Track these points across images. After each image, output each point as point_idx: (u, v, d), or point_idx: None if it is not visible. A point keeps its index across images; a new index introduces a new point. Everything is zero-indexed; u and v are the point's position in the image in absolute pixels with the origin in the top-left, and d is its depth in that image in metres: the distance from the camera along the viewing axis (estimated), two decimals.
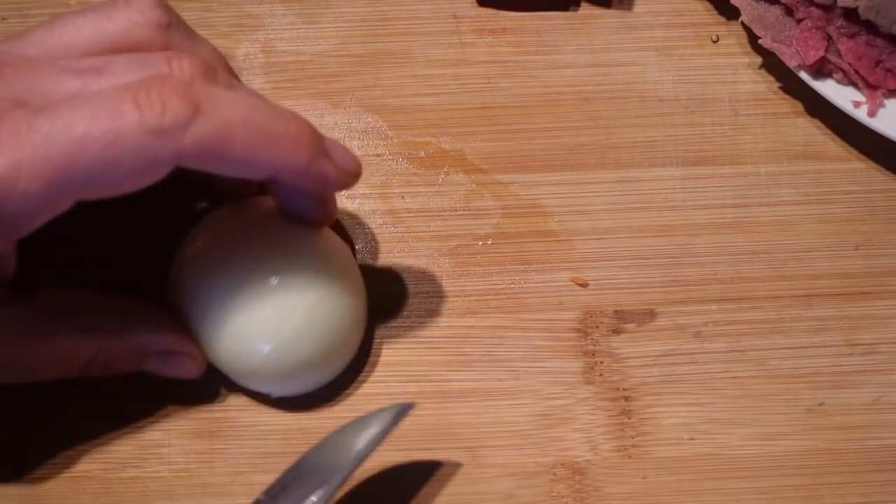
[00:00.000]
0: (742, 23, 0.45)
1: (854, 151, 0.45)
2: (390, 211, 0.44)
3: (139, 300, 0.39)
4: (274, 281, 0.37)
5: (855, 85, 0.44)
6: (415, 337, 0.42)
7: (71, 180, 0.30)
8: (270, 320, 0.37)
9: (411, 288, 0.43)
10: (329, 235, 0.40)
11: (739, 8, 0.44)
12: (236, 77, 0.37)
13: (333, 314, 0.38)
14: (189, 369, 0.39)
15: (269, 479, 0.40)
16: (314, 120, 0.44)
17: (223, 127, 0.31)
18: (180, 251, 0.39)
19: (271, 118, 0.32)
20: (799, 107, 0.46)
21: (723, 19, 0.47)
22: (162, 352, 0.38)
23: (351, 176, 0.35)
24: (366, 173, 0.44)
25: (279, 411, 0.41)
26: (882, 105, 0.43)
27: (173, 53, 0.33)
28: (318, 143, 0.34)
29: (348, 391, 0.41)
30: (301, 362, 0.38)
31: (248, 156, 0.32)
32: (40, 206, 0.30)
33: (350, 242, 0.43)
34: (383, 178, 0.44)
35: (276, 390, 0.40)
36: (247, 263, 0.37)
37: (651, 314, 0.42)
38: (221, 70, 0.34)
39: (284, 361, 0.38)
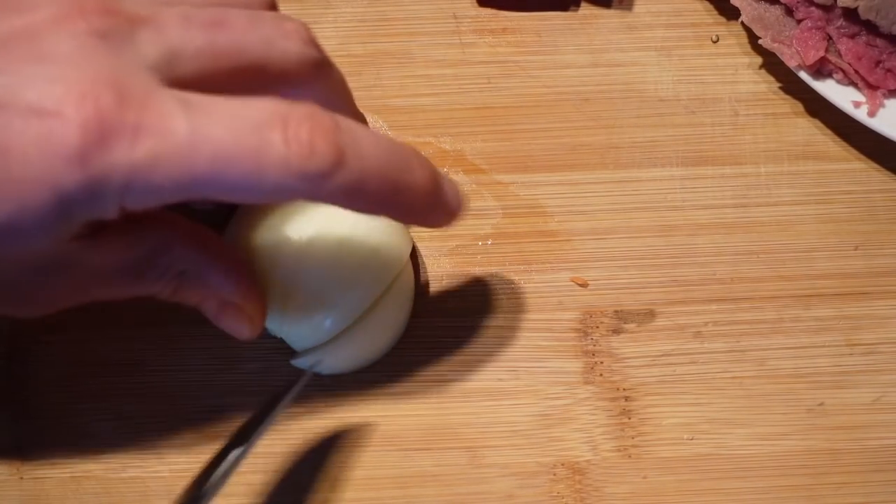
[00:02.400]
0: (742, 23, 0.45)
1: (854, 151, 0.45)
2: None
3: (223, 240, 0.38)
4: (343, 258, 0.38)
5: (855, 85, 0.44)
6: (415, 337, 0.42)
7: (202, 188, 0.30)
8: (335, 295, 0.38)
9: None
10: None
11: (739, 8, 0.44)
12: None
13: (397, 297, 0.40)
14: (242, 329, 0.38)
15: (270, 478, 0.40)
16: None
17: (361, 178, 0.31)
18: (242, 216, 0.40)
19: (404, 170, 0.33)
20: (799, 107, 0.46)
21: (723, 19, 0.47)
22: (224, 299, 0.37)
23: (455, 219, 0.36)
24: None
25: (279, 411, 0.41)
26: (882, 105, 0.43)
27: (282, 15, 0.34)
28: (438, 192, 0.34)
29: (350, 390, 0.41)
30: (358, 338, 0.39)
31: (374, 204, 0.32)
32: (164, 196, 0.30)
33: None
34: None
35: (328, 366, 0.40)
36: (320, 237, 0.38)
37: (651, 314, 0.42)
38: (319, 43, 0.35)
39: (342, 335, 0.39)
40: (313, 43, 0.34)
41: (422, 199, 0.33)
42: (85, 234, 0.32)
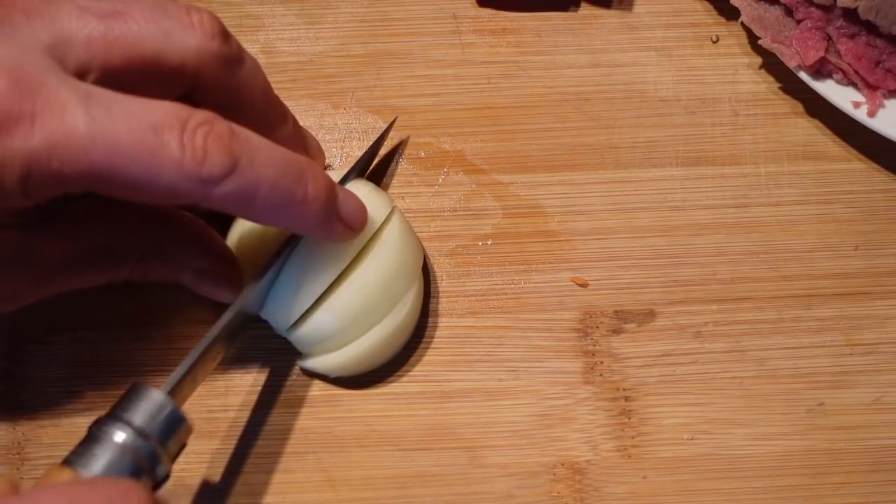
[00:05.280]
0: (742, 23, 0.45)
1: (854, 152, 0.45)
2: None
3: (182, 213, 0.39)
4: (353, 263, 0.38)
5: (855, 85, 0.44)
6: (415, 337, 0.42)
7: (99, 180, 0.30)
8: (341, 298, 0.38)
9: None
10: (401, 220, 0.41)
11: (739, 8, 0.44)
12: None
13: (408, 307, 0.40)
14: (223, 293, 0.39)
15: (269, 478, 0.40)
16: (314, 120, 0.45)
17: (252, 186, 0.32)
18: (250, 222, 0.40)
19: (297, 181, 0.34)
20: (799, 107, 0.46)
21: (723, 19, 0.47)
22: (198, 269, 0.38)
23: (354, 233, 0.37)
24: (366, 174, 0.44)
25: (279, 411, 0.41)
26: (882, 105, 0.43)
27: (192, 7, 0.34)
28: (332, 205, 0.35)
29: (350, 390, 0.41)
30: (368, 345, 0.39)
31: (265, 213, 0.33)
32: (64, 185, 0.30)
33: None
34: (383, 178, 0.44)
35: (336, 369, 0.40)
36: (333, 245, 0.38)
37: (651, 314, 0.42)
38: (230, 35, 0.35)
39: (352, 342, 0.39)
40: (220, 36, 0.34)
41: (314, 212, 0.34)
42: (15, 224, 0.34)
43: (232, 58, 0.34)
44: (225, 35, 0.34)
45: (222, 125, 0.31)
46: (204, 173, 0.31)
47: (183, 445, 0.34)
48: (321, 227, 0.36)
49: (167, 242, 0.38)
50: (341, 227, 0.36)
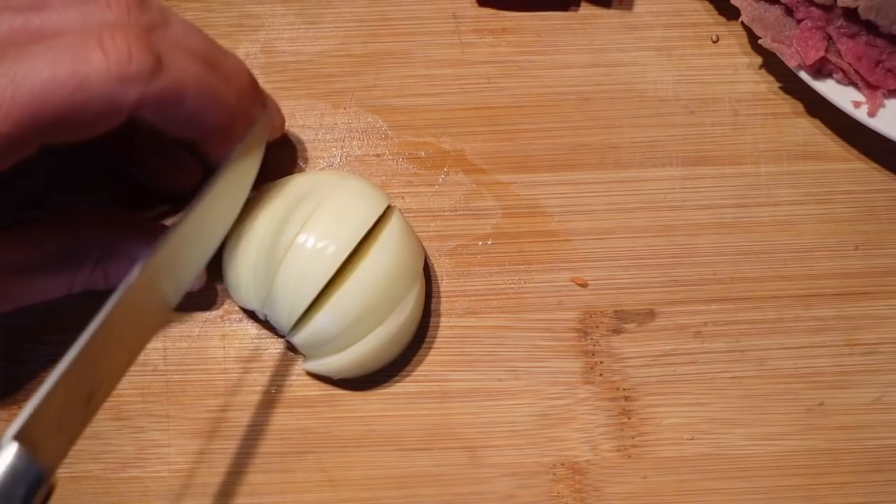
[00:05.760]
0: (742, 23, 0.45)
1: (854, 151, 0.45)
2: None
3: (139, 214, 0.39)
4: (353, 265, 0.38)
5: (855, 85, 0.44)
6: (415, 337, 0.42)
7: (39, 123, 0.31)
8: (343, 300, 0.38)
9: None
10: (401, 220, 0.41)
11: (739, 8, 0.44)
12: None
13: (410, 308, 0.40)
14: (193, 284, 0.39)
15: (269, 478, 0.40)
16: (314, 120, 0.45)
17: (181, 81, 0.33)
18: (248, 221, 0.40)
19: (219, 81, 0.35)
20: (799, 107, 0.46)
21: (723, 19, 0.47)
22: None
23: (277, 132, 0.40)
24: (366, 173, 0.44)
25: (279, 411, 0.41)
26: (882, 105, 0.43)
27: None
28: (255, 83, 0.37)
29: (350, 390, 0.41)
30: (370, 346, 0.39)
31: (195, 114, 0.34)
32: (8, 148, 0.31)
33: None
34: (383, 178, 0.44)
35: (340, 371, 0.40)
36: (329, 243, 0.38)
37: (651, 314, 0.42)
38: (152, 2, 0.35)
39: (352, 340, 0.39)
40: (139, 9, 0.34)
41: (242, 85, 0.36)
42: None
43: (155, 26, 0.35)
44: (143, 6, 0.34)
45: (135, 26, 0.32)
46: (133, 71, 0.31)
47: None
48: (244, 120, 0.37)
49: (123, 243, 0.38)
50: (262, 110, 0.38)
